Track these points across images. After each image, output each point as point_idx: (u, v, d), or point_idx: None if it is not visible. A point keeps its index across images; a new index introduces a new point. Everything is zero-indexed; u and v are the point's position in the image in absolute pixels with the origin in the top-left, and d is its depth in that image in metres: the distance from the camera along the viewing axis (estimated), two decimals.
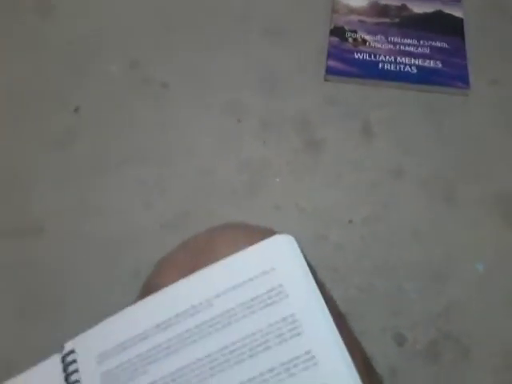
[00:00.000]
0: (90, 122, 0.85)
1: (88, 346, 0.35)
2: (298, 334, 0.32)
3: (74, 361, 0.34)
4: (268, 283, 0.34)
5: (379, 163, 0.81)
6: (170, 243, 0.40)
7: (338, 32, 0.93)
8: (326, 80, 0.89)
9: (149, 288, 0.37)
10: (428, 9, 0.96)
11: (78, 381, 0.34)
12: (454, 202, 0.76)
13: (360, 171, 0.80)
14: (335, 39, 0.93)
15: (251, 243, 0.35)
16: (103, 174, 0.81)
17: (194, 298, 0.34)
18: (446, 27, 0.94)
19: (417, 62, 0.90)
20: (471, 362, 0.64)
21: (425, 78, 0.88)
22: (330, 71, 0.89)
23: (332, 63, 0.90)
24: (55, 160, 0.82)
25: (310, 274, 0.34)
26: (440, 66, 0.89)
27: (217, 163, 0.81)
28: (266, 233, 0.37)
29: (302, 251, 0.35)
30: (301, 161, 0.82)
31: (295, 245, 0.35)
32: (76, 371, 0.34)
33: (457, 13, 0.95)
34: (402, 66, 0.89)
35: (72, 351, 0.35)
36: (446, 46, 0.91)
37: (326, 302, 0.33)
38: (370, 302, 0.69)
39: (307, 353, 0.31)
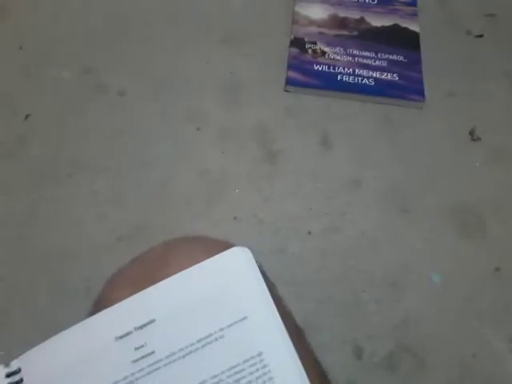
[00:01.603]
0: (42, 130, 0.82)
1: (35, 365, 0.33)
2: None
3: (21, 380, 0.33)
4: (222, 298, 0.33)
5: (337, 174, 0.81)
6: (125, 257, 0.39)
7: (297, 43, 0.94)
8: (286, 91, 0.89)
9: (101, 303, 0.36)
10: (385, 22, 0.98)
11: None
12: (411, 213, 0.77)
13: (318, 182, 0.80)
14: (295, 50, 0.93)
15: (208, 257, 0.35)
16: (55, 185, 0.78)
17: (147, 314, 0.33)
18: (403, 41, 0.95)
19: (374, 75, 0.91)
20: (427, 373, 0.64)
21: (382, 90, 0.89)
22: (290, 82, 0.89)
23: (292, 74, 0.90)
24: (4, 169, 0.78)
25: (265, 288, 0.34)
26: (397, 78, 0.90)
27: (175, 173, 0.80)
28: (223, 246, 0.36)
29: (260, 264, 0.34)
30: (260, 171, 0.81)
31: (251, 258, 0.35)
32: None
33: (413, 27, 0.97)
34: (360, 79, 0.90)
35: (18, 370, 0.33)
36: (403, 59, 0.93)
37: (283, 317, 0.33)
38: (329, 314, 0.68)
39: (264, 368, 0.31)
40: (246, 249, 0.35)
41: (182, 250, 0.39)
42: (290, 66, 0.91)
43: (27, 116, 0.83)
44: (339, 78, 0.90)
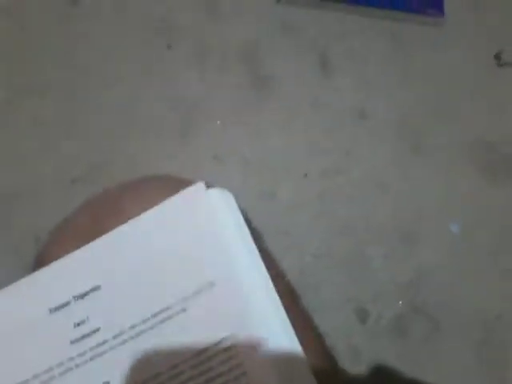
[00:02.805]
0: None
1: None
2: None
3: None
4: (191, 255, 0.25)
5: (339, 104, 0.68)
6: (80, 201, 0.32)
7: None
8: (277, 2, 0.74)
9: (42, 258, 0.29)
10: None
11: None
12: (425, 151, 0.65)
13: (317, 114, 0.67)
14: None
15: None
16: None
17: (90, 278, 0.25)
18: None
19: None
20: (443, 338, 0.55)
21: (393, 2, 0.74)
22: None
23: None
24: None
25: (250, 238, 0.26)
26: None
27: (141, 100, 0.65)
28: (197, 188, 0.28)
29: (244, 212, 0.27)
30: (246, 100, 0.67)
31: (232, 202, 0.27)
32: None
33: None
34: None
35: None
36: None
37: (272, 277, 0.26)
38: (329, 270, 0.58)
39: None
40: (226, 191, 0.28)
41: (141, 192, 0.31)
42: None
43: None
44: None
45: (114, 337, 0.24)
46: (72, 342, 0.24)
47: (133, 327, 0.24)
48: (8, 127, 0.62)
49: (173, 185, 0.30)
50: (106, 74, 0.66)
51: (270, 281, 0.25)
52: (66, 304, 0.25)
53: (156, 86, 0.66)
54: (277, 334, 0.24)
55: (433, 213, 0.61)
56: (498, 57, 0.71)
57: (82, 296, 0.25)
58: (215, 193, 0.27)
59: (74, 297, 0.25)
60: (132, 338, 0.24)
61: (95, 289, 0.25)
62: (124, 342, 0.24)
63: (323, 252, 0.59)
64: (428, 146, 0.65)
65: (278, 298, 0.25)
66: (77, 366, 0.23)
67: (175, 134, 0.64)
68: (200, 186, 0.27)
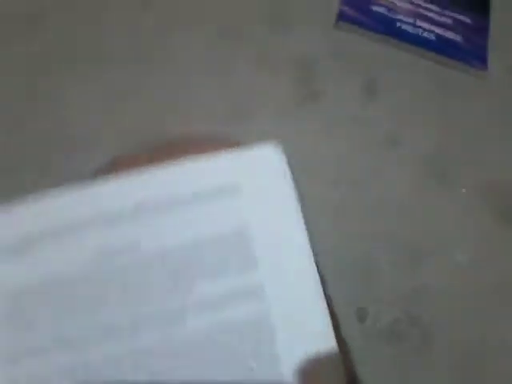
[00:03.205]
0: (62, 6, 0.73)
1: None
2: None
3: None
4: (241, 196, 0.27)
5: (376, 127, 0.73)
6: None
7: None
8: (336, 26, 0.80)
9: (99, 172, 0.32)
10: None
11: None
12: (447, 184, 0.69)
13: (354, 131, 0.72)
14: None
15: None
16: (68, 70, 0.69)
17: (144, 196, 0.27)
18: (472, 2, 0.86)
19: (436, 30, 0.82)
20: (431, 350, 0.58)
21: (443, 48, 0.80)
22: (341, 17, 0.80)
23: (345, 9, 0.81)
24: (18, 49, 0.70)
25: (296, 199, 0.28)
26: (460, 39, 0.81)
27: (200, 83, 0.71)
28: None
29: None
30: (291, 107, 0.73)
31: (283, 160, 0.29)
32: None
33: None
34: (420, 31, 0.81)
35: None
36: (469, 21, 0.84)
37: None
38: (336, 269, 0.62)
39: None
40: (280, 148, 0.29)
41: (202, 143, 0.32)
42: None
43: None
44: (398, 24, 0.81)
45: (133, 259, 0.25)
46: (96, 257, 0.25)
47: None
48: (79, 87, 0.69)
49: (235, 143, 0.34)
50: (174, 53, 0.73)
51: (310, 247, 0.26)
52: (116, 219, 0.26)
53: (215, 74, 0.72)
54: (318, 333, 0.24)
55: (445, 239, 0.65)
56: None
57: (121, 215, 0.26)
58: (270, 148, 0.28)
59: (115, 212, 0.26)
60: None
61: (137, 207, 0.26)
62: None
63: (334, 251, 0.63)
64: (451, 180, 0.69)
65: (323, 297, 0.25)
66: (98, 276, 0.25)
67: (224, 119, 0.69)
68: (263, 146, 0.28)
